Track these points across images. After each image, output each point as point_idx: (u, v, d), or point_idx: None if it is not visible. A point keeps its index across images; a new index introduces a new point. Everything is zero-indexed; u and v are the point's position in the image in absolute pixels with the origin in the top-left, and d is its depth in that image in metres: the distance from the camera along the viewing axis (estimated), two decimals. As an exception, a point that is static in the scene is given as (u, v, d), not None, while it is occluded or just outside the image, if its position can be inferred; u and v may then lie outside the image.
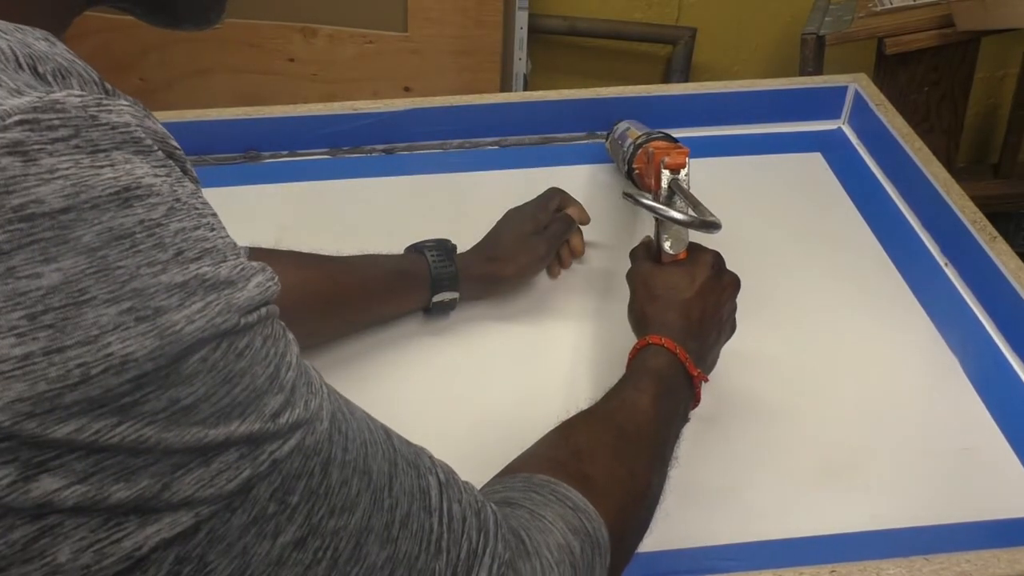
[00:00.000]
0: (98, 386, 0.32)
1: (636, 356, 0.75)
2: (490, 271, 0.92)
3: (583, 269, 1.01)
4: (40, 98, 0.32)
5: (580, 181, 1.06)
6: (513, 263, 0.93)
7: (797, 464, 0.81)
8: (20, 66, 0.34)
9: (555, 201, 0.97)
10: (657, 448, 0.66)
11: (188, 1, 0.49)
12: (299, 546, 0.37)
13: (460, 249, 0.93)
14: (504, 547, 0.46)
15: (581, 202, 0.99)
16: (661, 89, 1.25)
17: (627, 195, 0.80)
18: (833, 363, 0.90)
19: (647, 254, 0.84)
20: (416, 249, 0.91)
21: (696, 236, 0.80)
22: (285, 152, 1.17)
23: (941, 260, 1.02)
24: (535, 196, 0.98)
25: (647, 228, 1.07)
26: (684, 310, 0.76)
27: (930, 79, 1.86)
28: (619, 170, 1.07)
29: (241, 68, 1.88)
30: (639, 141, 1.00)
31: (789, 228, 1.07)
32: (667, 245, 0.80)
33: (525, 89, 1.96)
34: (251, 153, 1.16)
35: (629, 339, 0.93)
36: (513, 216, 0.96)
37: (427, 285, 0.89)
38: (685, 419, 0.73)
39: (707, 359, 0.78)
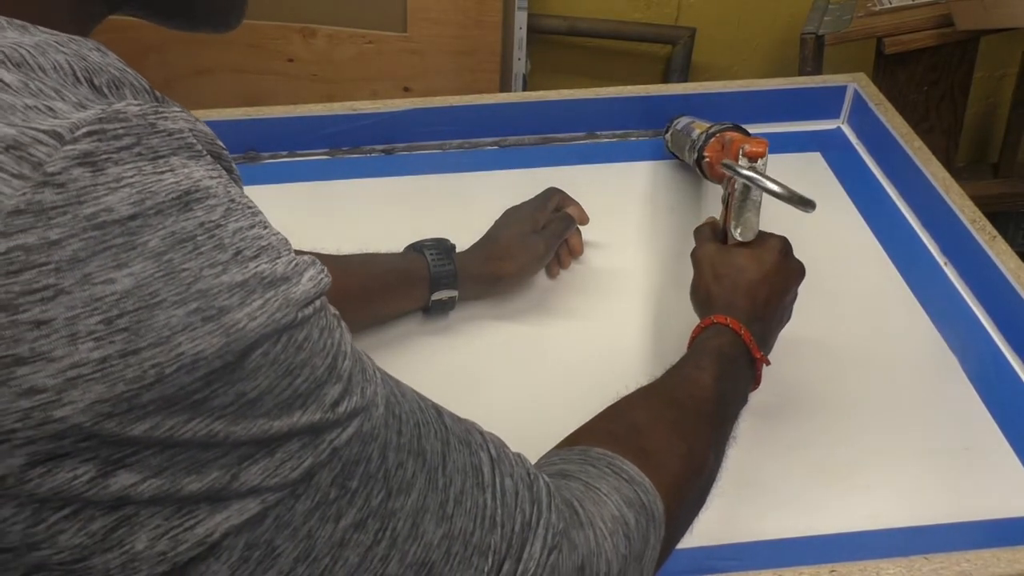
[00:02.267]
0: (172, 384, 0.33)
1: (699, 335, 0.75)
2: (489, 270, 0.92)
3: (582, 269, 1.01)
4: (104, 109, 0.34)
5: (580, 181, 1.06)
6: (512, 262, 0.93)
7: (797, 464, 0.81)
8: (78, 80, 0.35)
9: (554, 201, 0.98)
10: (716, 426, 0.66)
11: (207, 5, 0.50)
12: (360, 528, 0.39)
13: (459, 249, 0.93)
14: (558, 517, 0.47)
15: (580, 202, 0.99)
16: (660, 89, 1.25)
17: (726, 164, 0.81)
18: (833, 363, 0.90)
19: (712, 234, 0.84)
20: (415, 248, 0.91)
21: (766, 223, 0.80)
22: (285, 152, 1.17)
23: (941, 260, 1.02)
24: (535, 196, 0.98)
25: (647, 229, 1.07)
26: (750, 292, 0.77)
27: (929, 79, 1.86)
28: (685, 160, 1.07)
29: (241, 68, 1.88)
30: (712, 130, 1.00)
31: (788, 228, 1.07)
32: (737, 232, 0.80)
33: (525, 89, 1.96)
34: (251, 154, 1.16)
35: (629, 339, 0.93)
36: (512, 216, 0.96)
37: (426, 284, 0.89)
38: (744, 401, 0.73)
39: (768, 343, 0.78)
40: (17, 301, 0.31)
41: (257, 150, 1.16)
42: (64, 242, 0.32)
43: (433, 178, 1.14)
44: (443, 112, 1.17)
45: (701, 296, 0.80)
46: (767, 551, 0.74)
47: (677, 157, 1.13)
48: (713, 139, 0.98)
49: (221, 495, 0.35)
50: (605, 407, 0.64)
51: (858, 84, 1.21)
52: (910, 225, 1.07)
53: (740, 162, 0.81)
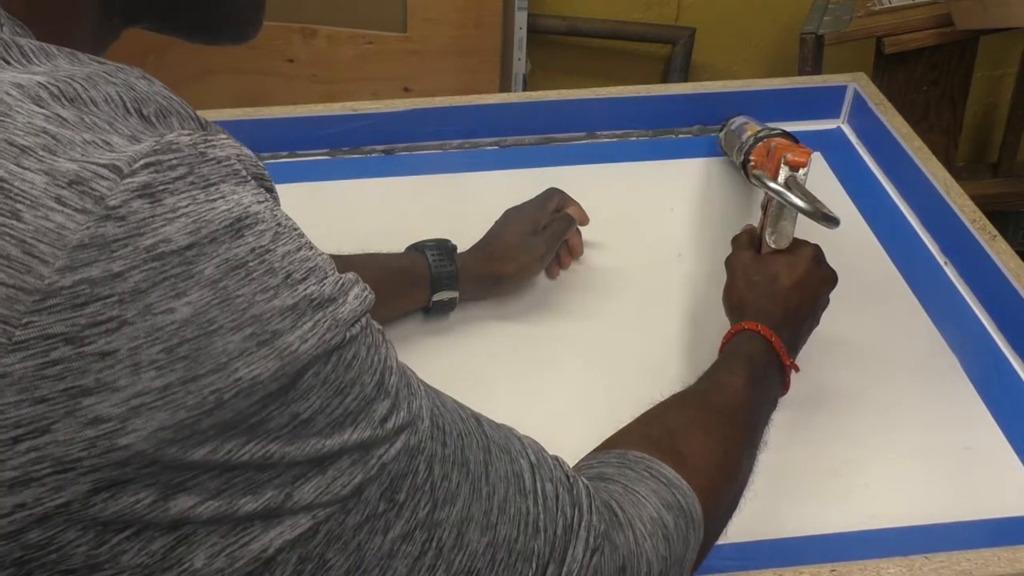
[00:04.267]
0: (230, 409, 0.34)
1: (730, 340, 0.76)
2: (490, 271, 0.92)
3: (582, 269, 1.01)
4: (157, 141, 0.34)
5: (580, 181, 1.06)
6: (513, 262, 0.93)
7: (797, 464, 0.81)
8: (128, 111, 0.36)
9: (554, 201, 0.98)
10: (749, 429, 0.67)
11: (223, 20, 0.51)
12: (407, 539, 0.40)
13: (460, 249, 0.93)
14: (598, 519, 0.48)
15: (580, 202, 0.99)
16: (660, 89, 1.25)
17: (755, 176, 0.84)
18: (833, 362, 0.90)
19: (749, 242, 0.86)
20: (416, 249, 0.91)
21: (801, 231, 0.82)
22: (285, 153, 1.17)
23: (941, 259, 1.02)
24: (535, 196, 0.98)
25: (647, 230, 1.07)
26: (782, 299, 0.78)
27: (929, 78, 1.86)
28: (733, 160, 1.08)
29: (241, 69, 1.88)
30: (760, 135, 1.01)
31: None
32: (770, 239, 0.82)
33: (525, 89, 1.96)
34: (251, 154, 1.16)
35: (629, 338, 0.93)
36: (512, 216, 0.96)
37: (427, 284, 0.89)
38: (774, 406, 0.74)
39: (797, 348, 0.80)
40: (83, 333, 0.32)
41: (257, 150, 1.16)
42: (126, 274, 0.32)
43: (433, 178, 1.14)
44: (443, 112, 1.17)
45: (734, 301, 0.82)
46: (767, 551, 0.74)
47: (727, 155, 1.13)
48: (760, 144, 0.99)
49: (275, 513, 0.36)
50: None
51: (858, 84, 1.21)
52: (910, 225, 1.07)
53: (781, 170, 0.83)
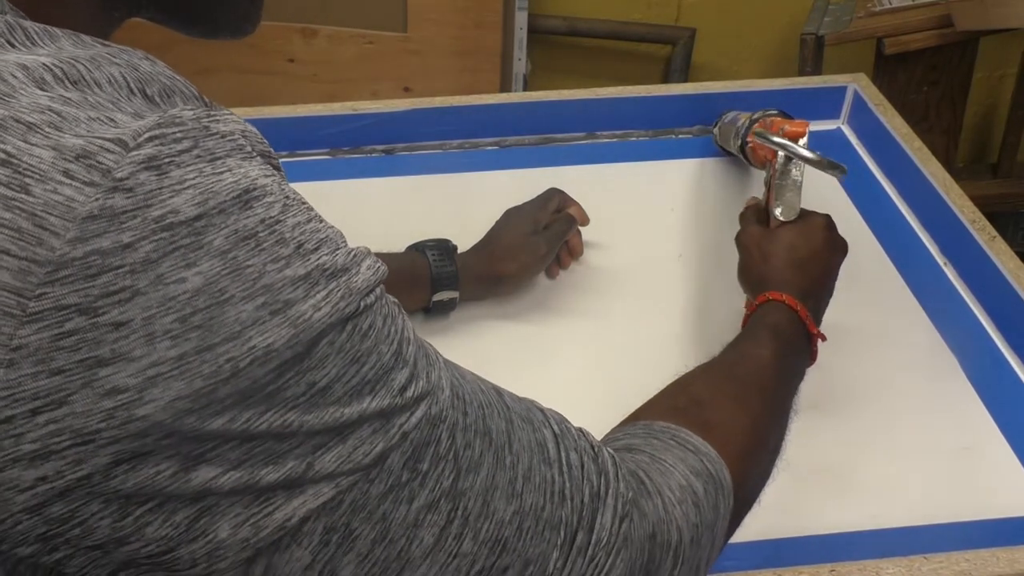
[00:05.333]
0: (246, 378, 0.34)
1: (754, 312, 0.75)
2: (491, 271, 0.92)
3: (582, 269, 1.01)
4: (161, 116, 0.35)
5: (580, 181, 1.06)
6: (514, 263, 0.93)
7: (797, 464, 0.81)
8: (132, 91, 0.36)
9: (555, 201, 0.98)
10: (777, 398, 0.66)
11: (224, 13, 0.51)
12: (432, 508, 0.40)
13: (460, 249, 0.93)
14: (626, 487, 0.47)
15: (580, 202, 0.99)
16: (661, 89, 1.25)
17: (758, 133, 0.84)
18: (832, 362, 0.90)
19: (756, 216, 0.85)
20: (416, 249, 0.91)
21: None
22: (285, 152, 1.17)
23: (940, 260, 1.02)
24: (535, 196, 0.98)
25: (647, 229, 1.07)
26: (804, 269, 0.78)
27: (929, 79, 1.86)
28: (731, 151, 1.08)
29: (241, 68, 1.88)
30: (755, 116, 1.01)
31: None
32: (778, 212, 0.82)
33: (525, 89, 1.96)
34: (251, 153, 1.16)
35: (629, 338, 0.93)
36: (513, 216, 0.96)
37: (427, 284, 0.89)
38: (802, 376, 0.73)
39: (819, 319, 0.79)
40: (96, 304, 0.32)
41: (257, 150, 1.17)
42: (136, 245, 0.33)
43: (433, 178, 1.14)
44: (443, 112, 1.17)
45: (752, 278, 0.81)
46: (767, 551, 0.74)
47: (725, 152, 1.14)
48: (756, 124, 0.99)
49: (297, 483, 0.36)
50: (665, 385, 0.64)
51: (858, 84, 1.21)
52: (910, 225, 1.07)
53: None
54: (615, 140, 1.21)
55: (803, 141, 0.84)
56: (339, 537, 0.38)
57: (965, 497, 0.78)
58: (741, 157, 1.04)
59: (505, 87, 1.94)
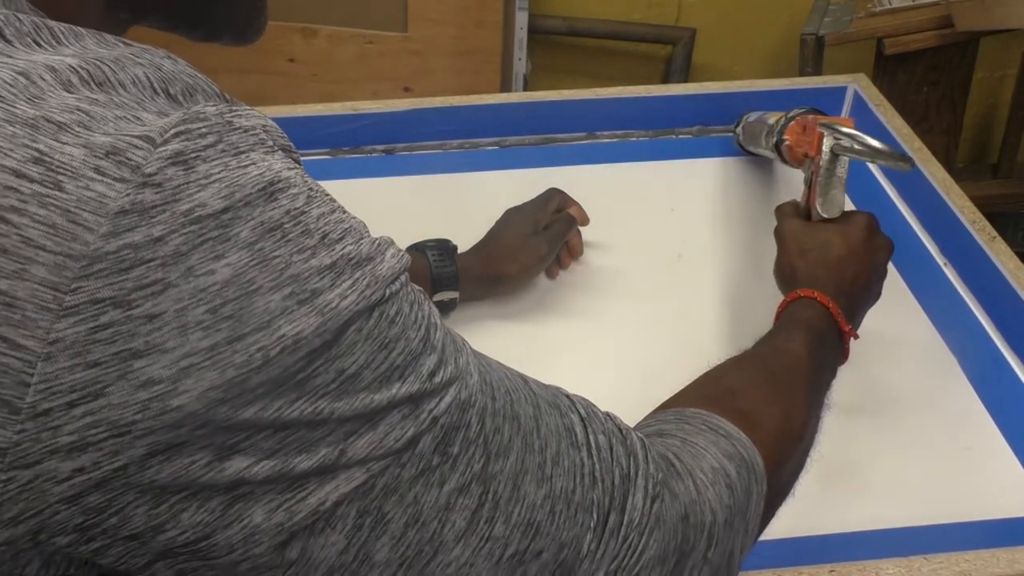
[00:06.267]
0: (277, 366, 0.35)
1: (786, 309, 0.75)
2: (491, 271, 0.92)
3: (582, 269, 1.01)
4: (185, 112, 0.36)
5: (580, 181, 1.06)
6: (514, 263, 0.93)
7: (797, 464, 0.81)
8: (156, 91, 0.37)
9: (555, 201, 0.98)
10: (811, 391, 0.66)
11: (227, 18, 0.52)
12: (463, 492, 0.40)
13: (460, 249, 0.93)
14: (656, 468, 0.47)
15: (580, 202, 0.99)
16: (661, 89, 1.25)
17: (823, 125, 0.84)
18: (833, 363, 0.90)
19: (795, 211, 0.85)
20: (416, 249, 0.91)
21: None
22: (285, 152, 1.17)
23: (940, 260, 1.02)
24: (535, 196, 0.98)
25: (647, 230, 1.07)
26: (837, 267, 0.77)
27: (929, 79, 1.86)
28: (760, 146, 1.07)
29: (241, 68, 1.88)
30: (792, 114, 1.00)
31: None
32: (822, 209, 0.82)
33: (525, 89, 1.96)
34: (251, 153, 1.16)
35: (629, 339, 0.93)
36: (513, 216, 0.96)
37: (427, 285, 0.89)
38: (834, 374, 0.73)
39: (856, 319, 0.78)
40: (130, 297, 0.33)
41: (258, 150, 1.17)
42: (167, 238, 0.33)
43: (433, 178, 1.14)
44: (443, 112, 1.17)
45: (786, 272, 0.80)
46: (767, 551, 0.74)
47: (746, 152, 1.13)
48: (793, 122, 0.98)
49: (330, 469, 0.37)
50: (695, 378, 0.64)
51: (858, 85, 1.21)
52: (910, 226, 1.07)
53: (825, 139, 0.84)
54: (615, 140, 1.21)
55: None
56: (372, 520, 0.38)
57: (965, 497, 0.78)
58: (774, 155, 1.03)
59: (505, 87, 1.94)
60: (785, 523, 0.76)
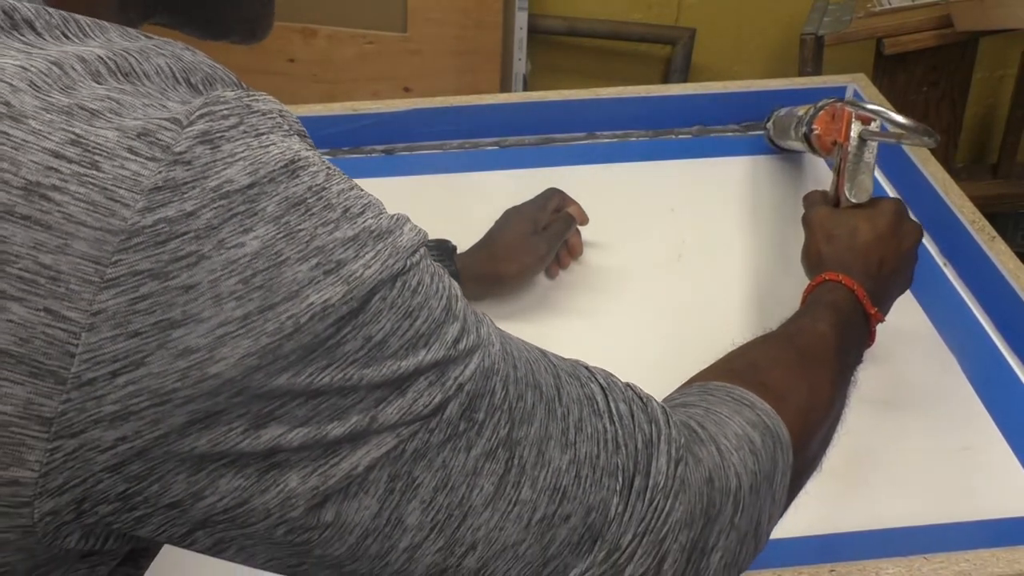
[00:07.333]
0: (308, 333, 0.36)
1: (812, 292, 0.76)
2: (490, 271, 0.93)
3: (581, 269, 1.01)
4: (207, 96, 0.37)
5: (580, 181, 1.06)
6: (514, 263, 0.93)
7: (797, 464, 0.81)
8: (177, 81, 0.39)
9: (554, 201, 0.98)
10: (837, 369, 0.66)
11: (236, 17, 0.53)
12: (490, 457, 0.42)
13: (460, 249, 0.93)
14: (678, 433, 0.48)
15: (580, 202, 1.00)
16: (661, 89, 1.25)
17: (850, 102, 0.86)
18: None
19: (823, 198, 0.86)
20: (416, 249, 0.91)
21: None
22: (285, 152, 1.17)
23: (940, 260, 1.02)
24: (535, 196, 0.98)
25: (647, 230, 1.07)
26: (863, 252, 0.78)
27: (929, 79, 1.86)
28: (790, 138, 1.07)
29: (241, 68, 1.87)
30: (821, 104, 1.01)
31: (789, 229, 1.07)
32: (850, 194, 0.83)
33: (525, 89, 1.97)
34: (251, 153, 1.16)
35: (628, 339, 0.93)
36: (513, 216, 0.96)
37: (427, 285, 0.89)
38: (860, 357, 0.73)
39: (883, 304, 0.79)
40: (167, 268, 0.34)
41: (257, 150, 1.17)
42: (198, 212, 0.35)
43: (433, 178, 1.14)
44: (443, 112, 1.17)
45: (813, 258, 0.81)
46: (767, 551, 0.74)
47: (776, 148, 1.14)
48: (823, 112, 0.99)
49: (362, 435, 0.38)
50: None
51: (858, 85, 1.21)
52: (910, 225, 1.07)
53: (853, 126, 0.85)
54: (615, 140, 1.21)
55: (875, 124, 0.86)
56: (403, 485, 0.39)
57: (965, 497, 0.78)
58: (804, 146, 1.03)
59: (505, 87, 1.95)
60: (785, 523, 0.76)
